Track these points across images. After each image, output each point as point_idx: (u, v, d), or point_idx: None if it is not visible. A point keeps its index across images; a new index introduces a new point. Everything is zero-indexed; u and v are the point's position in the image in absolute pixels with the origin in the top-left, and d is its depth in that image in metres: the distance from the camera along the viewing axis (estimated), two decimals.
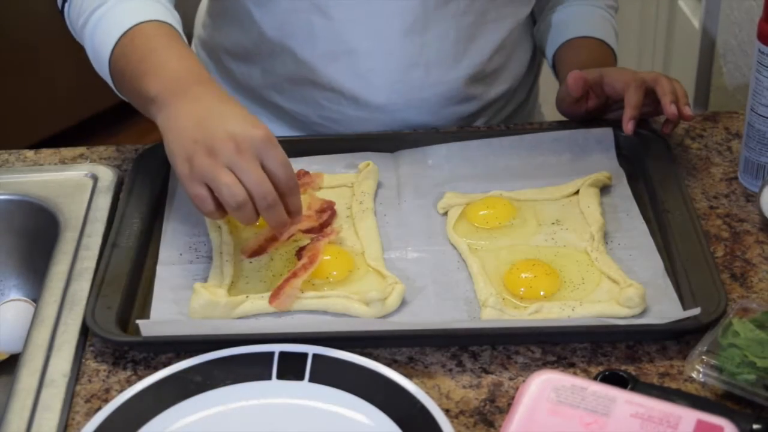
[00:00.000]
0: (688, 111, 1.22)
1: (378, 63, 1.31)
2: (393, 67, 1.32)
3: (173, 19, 1.18)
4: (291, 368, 0.98)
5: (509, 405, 0.96)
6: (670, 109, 1.21)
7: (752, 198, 1.21)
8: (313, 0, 1.28)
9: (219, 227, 1.15)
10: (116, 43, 1.14)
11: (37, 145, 1.85)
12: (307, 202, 1.17)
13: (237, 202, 1.01)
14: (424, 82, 1.34)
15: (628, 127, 1.22)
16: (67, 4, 1.23)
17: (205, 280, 1.10)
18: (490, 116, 1.43)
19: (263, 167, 1.02)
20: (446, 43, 1.32)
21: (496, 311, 1.04)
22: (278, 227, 1.06)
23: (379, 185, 1.23)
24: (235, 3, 1.33)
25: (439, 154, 1.26)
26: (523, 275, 1.08)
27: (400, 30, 1.29)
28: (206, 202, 1.03)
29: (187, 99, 1.07)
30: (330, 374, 0.97)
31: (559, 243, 1.14)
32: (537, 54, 1.48)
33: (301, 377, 0.97)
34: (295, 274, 1.07)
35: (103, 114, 2.99)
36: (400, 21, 1.29)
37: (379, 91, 1.34)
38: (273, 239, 1.12)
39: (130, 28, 1.14)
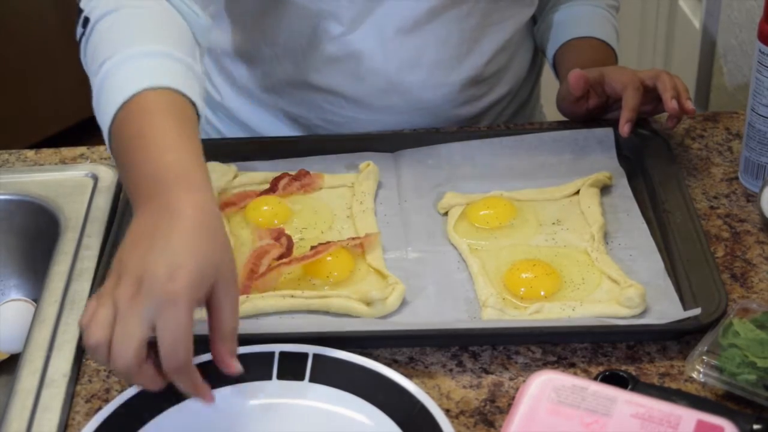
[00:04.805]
0: (689, 105, 1.21)
1: (380, 65, 1.31)
2: (395, 69, 1.32)
3: (189, 77, 1.00)
4: (291, 368, 0.98)
5: (509, 405, 0.96)
6: (671, 104, 1.21)
7: (753, 198, 1.21)
8: (321, 5, 1.27)
9: None
10: (115, 115, 0.97)
11: (37, 145, 1.85)
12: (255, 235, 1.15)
13: (88, 343, 0.87)
14: (426, 84, 1.33)
15: (625, 129, 1.22)
16: (84, 39, 1.07)
17: None
18: (492, 119, 1.43)
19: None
20: (449, 45, 1.32)
21: (497, 311, 1.04)
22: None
23: (379, 185, 1.23)
24: (239, 7, 1.32)
25: (440, 154, 1.26)
26: (523, 275, 1.08)
27: (403, 32, 1.29)
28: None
29: (150, 209, 0.90)
30: (330, 374, 0.97)
31: (559, 243, 1.14)
32: (538, 54, 1.48)
33: (301, 377, 0.97)
34: (290, 261, 1.08)
35: None
36: (403, 23, 1.29)
37: (380, 94, 1.33)
38: (250, 278, 1.07)
39: (130, 98, 0.97)
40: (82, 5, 1.08)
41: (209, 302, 0.89)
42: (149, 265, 0.85)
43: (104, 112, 0.98)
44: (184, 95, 0.98)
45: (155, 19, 1.06)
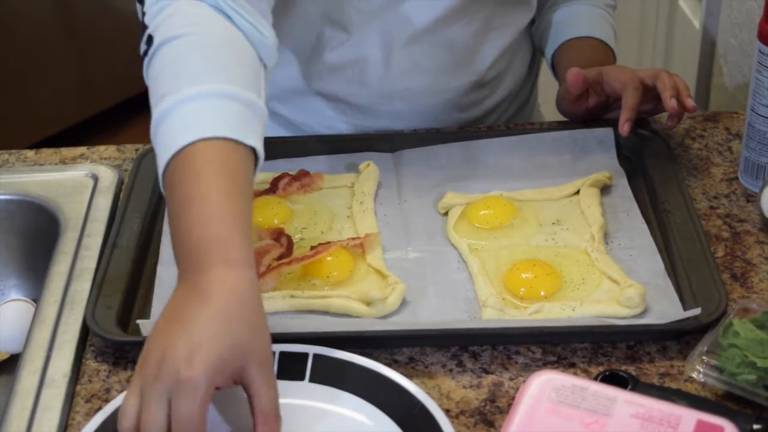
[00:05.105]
0: (690, 103, 1.21)
1: (384, 71, 1.31)
2: (398, 75, 1.32)
3: (248, 118, 0.97)
4: (291, 368, 0.98)
5: (510, 405, 0.96)
6: (671, 103, 1.21)
7: (752, 198, 1.21)
8: (325, 11, 1.27)
9: None
10: (167, 164, 0.94)
11: (37, 145, 1.85)
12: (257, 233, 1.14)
13: (121, 428, 0.86)
14: (429, 90, 1.34)
15: (624, 129, 1.22)
16: (147, 59, 1.02)
17: None
18: (492, 121, 1.43)
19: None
20: (451, 51, 1.32)
21: (497, 311, 1.04)
22: None
23: (379, 185, 1.23)
24: None
25: (440, 154, 1.26)
26: (523, 275, 1.08)
27: (407, 38, 1.29)
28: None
29: (186, 285, 0.90)
30: (330, 374, 0.97)
31: (559, 243, 1.14)
32: (536, 55, 1.48)
33: (301, 377, 0.97)
34: (290, 261, 1.08)
35: (103, 114, 3.00)
36: (409, 31, 1.29)
37: (383, 100, 1.34)
38: None
39: (183, 148, 0.93)
40: (146, 21, 1.04)
41: (244, 384, 0.88)
42: (171, 346, 0.85)
43: (159, 154, 0.96)
44: (240, 143, 0.95)
45: (220, 47, 1.02)
